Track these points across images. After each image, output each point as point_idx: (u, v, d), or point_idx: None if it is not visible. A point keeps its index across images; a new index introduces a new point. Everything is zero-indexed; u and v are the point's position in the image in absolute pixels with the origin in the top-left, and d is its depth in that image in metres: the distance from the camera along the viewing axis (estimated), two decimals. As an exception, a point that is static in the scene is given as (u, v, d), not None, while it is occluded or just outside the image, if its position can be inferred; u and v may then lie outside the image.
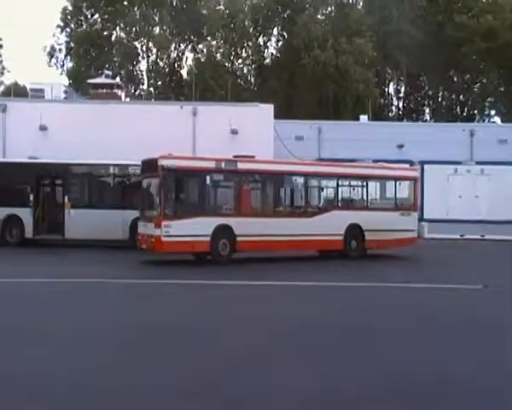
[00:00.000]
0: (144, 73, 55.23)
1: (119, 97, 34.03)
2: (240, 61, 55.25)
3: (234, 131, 28.05)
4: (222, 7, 54.27)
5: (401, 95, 57.28)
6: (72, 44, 53.87)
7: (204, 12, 53.28)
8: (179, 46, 55.17)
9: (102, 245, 20.13)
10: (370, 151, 28.66)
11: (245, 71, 55.80)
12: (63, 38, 54.06)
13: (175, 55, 55.45)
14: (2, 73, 58.43)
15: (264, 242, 17.27)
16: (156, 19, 53.14)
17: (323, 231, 18.23)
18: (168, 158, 16.66)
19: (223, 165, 17.36)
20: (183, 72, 55.39)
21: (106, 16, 53.23)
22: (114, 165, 21.51)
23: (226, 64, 53.80)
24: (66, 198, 21.08)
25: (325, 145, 31.25)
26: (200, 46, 54.84)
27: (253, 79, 55.19)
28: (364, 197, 19.69)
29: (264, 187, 18.75)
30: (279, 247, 17.76)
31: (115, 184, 21.59)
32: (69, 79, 53.85)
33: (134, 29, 52.91)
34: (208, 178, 17.22)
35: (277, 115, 30.13)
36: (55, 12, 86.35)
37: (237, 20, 51.68)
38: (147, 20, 51.74)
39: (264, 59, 54.71)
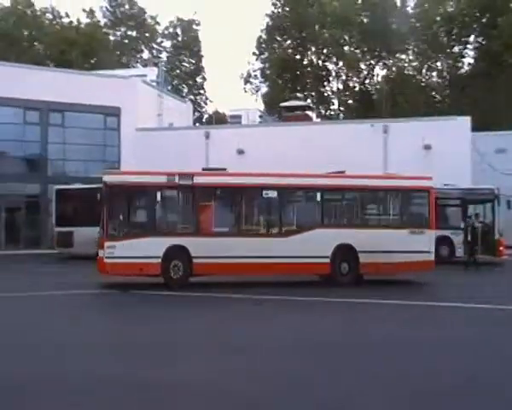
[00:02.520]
0: (335, 93, 56.04)
1: (311, 119, 34.88)
2: (434, 73, 53.32)
3: (427, 147, 27.05)
4: (413, 20, 52.93)
5: None
6: (266, 71, 56.76)
7: (394, 27, 52.47)
8: (369, 64, 55.00)
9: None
10: None
11: (438, 83, 53.63)
12: (258, 65, 57.27)
13: (365, 73, 55.40)
14: (206, 103, 63.63)
15: (226, 264, 15.21)
16: (346, 38, 53.69)
17: (303, 253, 15.51)
18: (112, 174, 16.08)
19: (176, 179, 15.71)
20: (374, 89, 55.06)
21: (298, 41, 55.16)
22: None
23: (418, 78, 52.27)
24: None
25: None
26: (391, 61, 54.06)
27: (447, 91, 52.79)
28: (358, 213, 16.95)
29: (226, 203, 16.79)
30: (245, 270, 15.52)
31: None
32: (264, 103, 56.73)
33: (325, 50, 54.08)
34: (159, 194, 15.55)
35: (476, 127, 28.38)
36: (250, 41, 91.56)
37: (430, 32, 49.97)
38: (337, 41, 52.48)
39: (459, 69, 52.04)
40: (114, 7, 59.97)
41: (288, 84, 54.26)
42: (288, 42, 56.11)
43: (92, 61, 54.06)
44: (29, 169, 30.07)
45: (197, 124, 52.16)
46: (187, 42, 61.02)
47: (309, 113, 35.21)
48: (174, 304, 13.24)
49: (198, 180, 15.80)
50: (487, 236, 21.75)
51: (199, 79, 62.77)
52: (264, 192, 16.09)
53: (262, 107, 56.03)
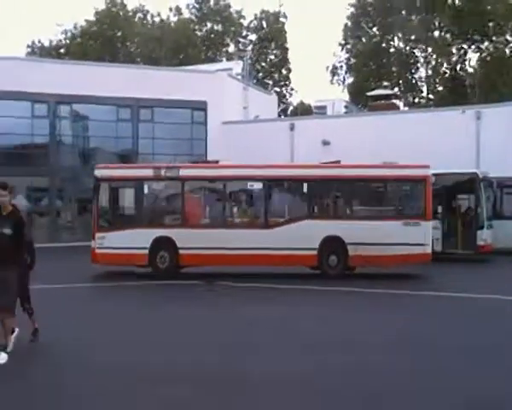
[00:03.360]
0: (423, 80, 54.22)
1: (397, 107, 33.94)
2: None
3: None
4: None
5: None
6: (351, 60, 55.86)
7: (488, 7, 49.88)
8: (461, 48, 52.67)
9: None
10: None
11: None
12: (344, 56, 56.42)
13: (456, 57, 53.11)
14: (291, 94, 63.54)
15: (212, 255, 15.38)
16: (436, 23, 51.74)
17: (289, 245, 15.22)
18: (102, 168, 16.56)
19: (162, 172, 16.15)
20: (466, 74, 52.70)
21: (383, 28, 53.82)
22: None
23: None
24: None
25: None
26: (486, 44, 51.47)
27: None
28: (348, 204, 16.33)
29: (212, 195, 17.04)
30: (231, 261, 15.55)
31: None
32: (349, 93, 55.89)
33: (412, 37, 52.42)
34: (146, 186, 16.24)
35: None
36: (336, 31, 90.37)
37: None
38: (425, 26, 50.68)
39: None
40: (200, 3, 61.08)
41: (374, 73, 53.13)
42: (374, 30, 54.89)
43: (180, 57, 55.44)
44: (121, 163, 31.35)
45: (282, 116, 52.19)
46: (272, 34, 61.10)
47: (396, 101, 34.22)
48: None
49: (184, 173, 16.19)
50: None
51: (284, 71, 62.73)
52: (249, 184, 16.34)
53: (347, 97, 55.26)
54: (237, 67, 42.22)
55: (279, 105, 49.01)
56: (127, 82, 29.12)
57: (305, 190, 16.14)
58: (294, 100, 63.91)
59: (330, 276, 15.36)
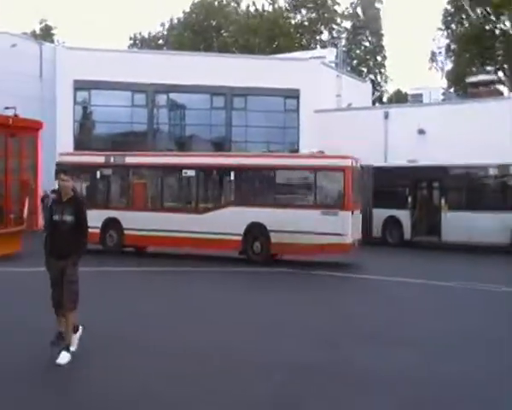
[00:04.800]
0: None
1: (501, 93, 32.16)
2: None
3: None
4: None
5: None
6: (452, 45, 53.52)
7: None
8: None
9: (481, 249, 19.43)
10: None
11: None
12: (443, 41, 54.17)
13: None
14: (386, 82, 62.03)
15: (151, 237, 16.85)
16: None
17: (217, 230, 16.08)
18: (64, 155, 18.40)
19: (112, 159, 17.92)
20: None
21: (487, 10, 51.08)
22: (494, 166, 20.47)
23: None
24: (442, 200, 21.01)
25: None
26: None
27: None
28: (272, 192, 16.65)
29: (153, 181, 18.25)
30: (168, 243, 16.97)
31: (495, 185, 20.60)
32: (448, 80, 53.67)
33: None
34: (99, 172, 17.89)
35: None
36: (435, 15, 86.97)
37: None
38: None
39: None
40: (296, -9, 60.80)
41: (476, 58, 50.61)
42: (478, 11, 52.19)
43: (274, 46, 55.59)
44: (215, 151, 32.02)
45: (377, 104, 51.08)
46: (367, 21, 59.81)
47: (499, 87, 32.44)
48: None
49: (129, 160, 17.94)
50: None
51: (379, 58, 61.30)
52: (183, 171, 17.45)
53: (445, 84, 53.15)
54: (331, 54, 41.74)
55: (373, 93, 47.98)
56: (221, 71, 29.62)
57: (232, 178, 17.05)
58: (390, 88, 62.38)
59: (254, 262, 15.91)
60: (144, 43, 62.47)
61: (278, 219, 15.78)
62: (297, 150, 31.64)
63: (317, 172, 16.17)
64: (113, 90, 29.59)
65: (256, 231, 16.08)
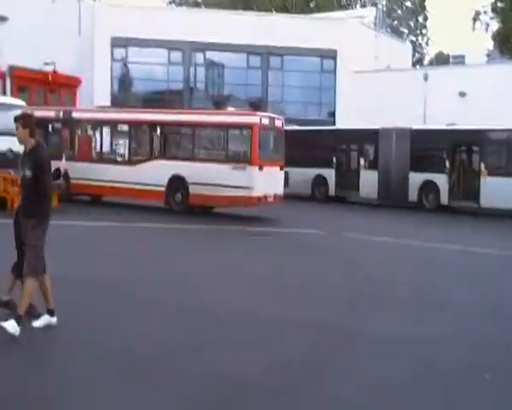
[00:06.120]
0: None
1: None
2: None
3: None
4: None
5: None
6: (498, 4, 51.55)
7: None
8: None
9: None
10: None
11: None
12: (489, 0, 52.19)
13: None
14: (427, 44, 60.40)
15: (93, 186, 18.03)
16: None
17: (145, 181, 17.24)
18: (23, 110, 18.56)
19: (61, 114, 19.04)
20: None
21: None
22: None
23: None
24: (482, 165, 20.57)
25: None
26: None
27: None
28: (190, 147, 17.63)
29: (94, 134, 19.30)
30: (105, 192, 18.44)
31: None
32: (494, 41, 51.87)
33: None
34: (50, 126, 19.03)
35: None
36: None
37: None
38: None
39: None
40: None
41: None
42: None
43: (311, 6, 54.51)
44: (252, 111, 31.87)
45: (417, 66, 49.87)
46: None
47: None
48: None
49: (75, 115, 19.24)
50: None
51: (421, 19, 59.59)
52: (119, 126, 19.02)
53: (491, 46, 51.41)
54: (371, 14, 40.76)
55: (414, 55, 46.86)
56: (258, 30, 29.28)
57: (158, 133, 18.22)
58: (431, 50, 60.75)
59: (176, 211, 17.02)
60: (182, 1, 61.91)
61: (196, 173, 16.81)
62: (333, 113, 31.37)
63: (229, 129, 17.06)
64: (150, 48, 29.59)
65: (177, 183, 17.21)
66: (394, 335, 6.45)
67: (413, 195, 21.41)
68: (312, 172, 23.31)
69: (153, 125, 18.24)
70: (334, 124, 29.72)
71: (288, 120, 27.77)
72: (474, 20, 52.74)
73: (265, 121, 16.84)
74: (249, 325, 6.60)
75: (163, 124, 18.11)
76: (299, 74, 31.50)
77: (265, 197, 16.49)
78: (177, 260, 10.21)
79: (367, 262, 10.87)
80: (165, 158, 17.70)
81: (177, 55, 30.43)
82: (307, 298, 8.01)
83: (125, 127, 18.99)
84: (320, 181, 23.32)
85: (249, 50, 30.54)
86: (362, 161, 22.96)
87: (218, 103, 30.44)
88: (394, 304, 7.83)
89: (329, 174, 23.20)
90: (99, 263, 9.42)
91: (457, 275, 10.24)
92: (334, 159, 23.38)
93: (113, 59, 30.22)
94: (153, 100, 29.32)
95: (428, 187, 21.22)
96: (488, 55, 33.31)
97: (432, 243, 13.12)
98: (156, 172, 17.29)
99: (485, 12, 52.29)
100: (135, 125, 18.71)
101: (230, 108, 19.15)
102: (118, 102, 28.41)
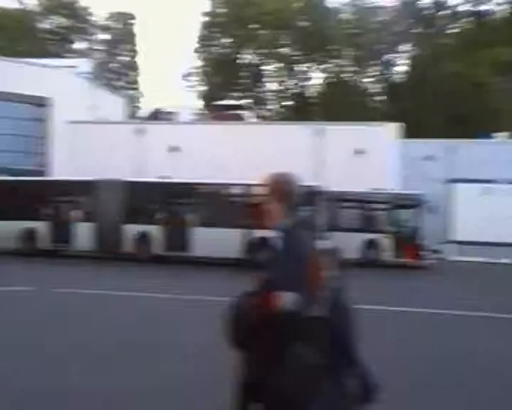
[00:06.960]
0: (270, 94, 56.39)
1: (241, 118, 34.76)
2: (368, 80, 54.58)
3: (359, 151, 27.45)
4: (348, 26, 54.07)
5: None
6: (205, 68, 56.41)
7: (331, 32, 53.38)
8: (307, 67, 55.63)
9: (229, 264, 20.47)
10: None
11: (374, 90, 54.97)
12: (198, 63, 56.81)
13: (302, 75, 55.99)
14: (138, 99, 62.76)
15: None
16: (284, 40, 54.13)
17: None
18: None
19: None
20: (309, 92, 55.74)
21: (235, 40, 55.10)
22: (236, 184, 21.77)
23: (355, 83, 53.41)
24: (191, 216, 21.54)
25: (458, 165, 29.65)
26: (328, 65, 54.87)
27: (383, 98, 54.19)
28: None
29: None
30: None
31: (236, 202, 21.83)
32: (203, 100, 56.40)
33: (262, 51, 54.34)
34: None
35: (409, 134, 29.64)
36: (191, 39, 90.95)
37: (365, 39, 51.18)
38: (274, 42, 52.82)
39: (392, 76, 53.60)
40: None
41: (225, 83, 54.13)
42: (226, 40, 55.96)
43: (20, 49, 51.83)
44: None
45: (133, 119, 51.08)
46: (122, 36, 59.77)
47: (242, 113, 35.00)
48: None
49: None
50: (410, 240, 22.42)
51: (132, 74, 61.70)
52: None
53: (201, 105, 55.81)
54: (84, 65, 40.55)
55: (129, 108, 47.96)
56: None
57: None
58: (147, 105, 63.12)
59: None
60: None
61: None
62: (47, 163, 30.04)
63: None
64: None
65: None
66: None
67: (128, 245, 21.52)
68: (21, 224, 21.85)
69: None
70: (48, 174, 28.50)
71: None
72: (184, 78, 56.97)
73: None
74: None
75: None
76: (9, 121, 29.50)
77: None
78: None
79: None
80: None
81: None
82: None
83: None
84: (28, 235, 21.98)
85: None
86: (76, 213, 22.30)
87: None
88: None
89: (41, 227, 21.98)
90: None
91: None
92: (46, 211, 22.28)
93: None
94: None
95: (143, 238, 21.56)
96: (196, 115, 36.00)
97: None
98: None
99: (195, 74, 56.95)
100: None
101: None
102: None
